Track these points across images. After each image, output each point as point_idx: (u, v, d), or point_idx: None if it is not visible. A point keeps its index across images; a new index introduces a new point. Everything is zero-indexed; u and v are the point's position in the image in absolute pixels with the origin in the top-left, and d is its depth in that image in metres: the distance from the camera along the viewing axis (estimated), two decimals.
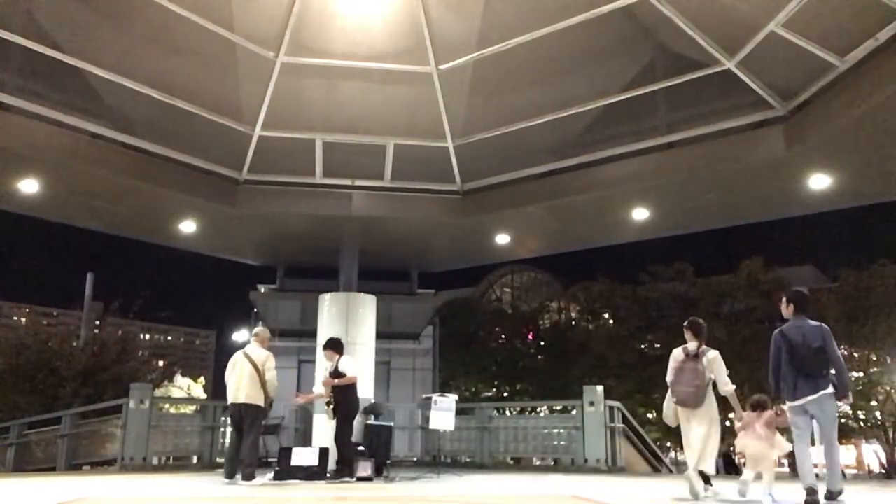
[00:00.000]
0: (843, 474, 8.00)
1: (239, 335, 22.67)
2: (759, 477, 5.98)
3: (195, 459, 12.08)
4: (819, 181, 9.80)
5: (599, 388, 11.62)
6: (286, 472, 8.79)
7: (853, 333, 20.19)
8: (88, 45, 9.37)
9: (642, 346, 23.87)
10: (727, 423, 13.13)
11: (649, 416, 23.54)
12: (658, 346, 22.54)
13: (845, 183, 9.89)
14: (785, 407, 5.86)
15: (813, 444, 6.36)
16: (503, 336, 28.48)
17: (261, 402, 8.27)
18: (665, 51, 9.82)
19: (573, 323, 29.31)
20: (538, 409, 17.50)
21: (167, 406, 15.28)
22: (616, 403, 11.81)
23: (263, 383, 8.29)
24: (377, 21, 9.81)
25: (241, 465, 8.06)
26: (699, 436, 6.23)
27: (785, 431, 6.14)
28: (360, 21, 9.78)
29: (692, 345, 6.43)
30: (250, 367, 8.34)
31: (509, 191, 11.57)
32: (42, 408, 14.14)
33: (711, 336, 19.98)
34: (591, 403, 11.37)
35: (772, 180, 10.00)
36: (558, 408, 18.75)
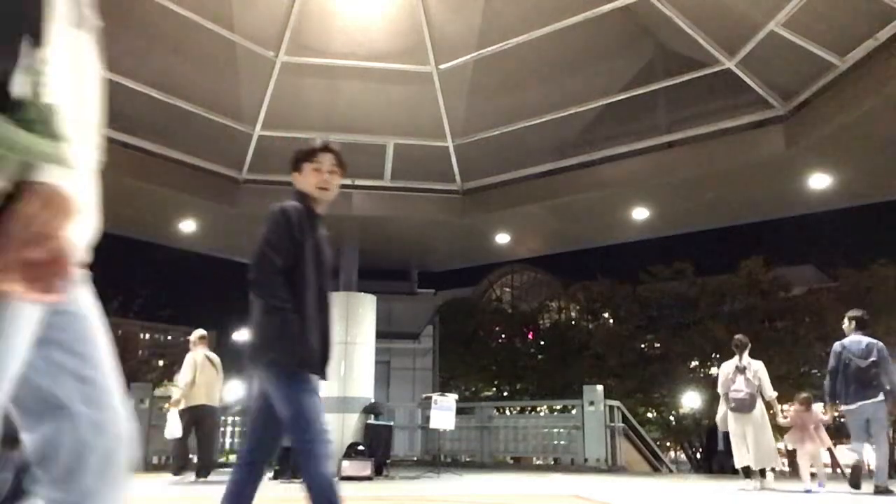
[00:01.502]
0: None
1: (239, 335, 22.69)
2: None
3: (195, 459, 12.07)
4: (819, 181, 9.80)
5: (599, 387, 11.63)
6: (287, 471, 8.79)
7: None
8: None
9: (642, 346, 23.86)
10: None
11: (649, 415, 23.56)
12: (658, 345, 22.54)
13: (845, 183, 9.90)
14: (841, 409, 6.85)
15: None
16: (503, 336, 28.49)
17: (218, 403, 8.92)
18: (665, 50, 9.82)
19: (573, 322, 29.31)
20: (538, 409, 17.52)
21: (167, 405, 15.30)
22: (616, 403, 11.83)
23: (220, 386, 8.89)
24: (377, 21, 9.82)
25: (201, 463, 8.65)
26: (754, 436, 7.28)
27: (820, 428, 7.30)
28: (360, 21, 9.78)
29: (742, 359, 7.53)
30: (214, 371, 8.79)
31: (509, 191, 11.57)
32: None
33: (711, 336, 19.97)
34: (591, 403, 11.39)
35: (772, 180, 10.00)
36: (558, 407, 18.78)
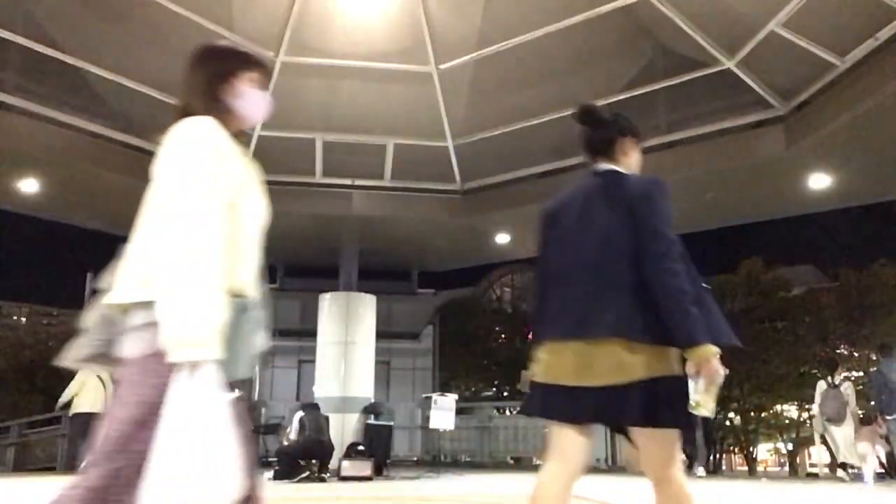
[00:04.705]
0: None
1: None
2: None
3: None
4: (819, 181, 9.80)
5: None
6: (285, 472, 8.80)
7: (853, 333, 20.18)
8: (88, 45, 9.37)
9: None
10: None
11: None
12: None
13: (845, 183, 9.90)
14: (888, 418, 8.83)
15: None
16: (503, 336, 28.47)
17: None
18: (665, 50, 9.82)
19: None
20: None
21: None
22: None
23: (109, 396, 9.74)
24: (377, 21, 9.81)
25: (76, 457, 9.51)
26: (845, 441, 9.19)
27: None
28: (360, 21, 9.78)
29: (835, 379, 9.56)
30: (100, 383, 9.86)
31: (509, 191, 11.57)
32: (42, 407, 14.15)
33: None
34: None
35: (772, 180, 10.00)
36: None
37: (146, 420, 1.47)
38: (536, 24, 9.44)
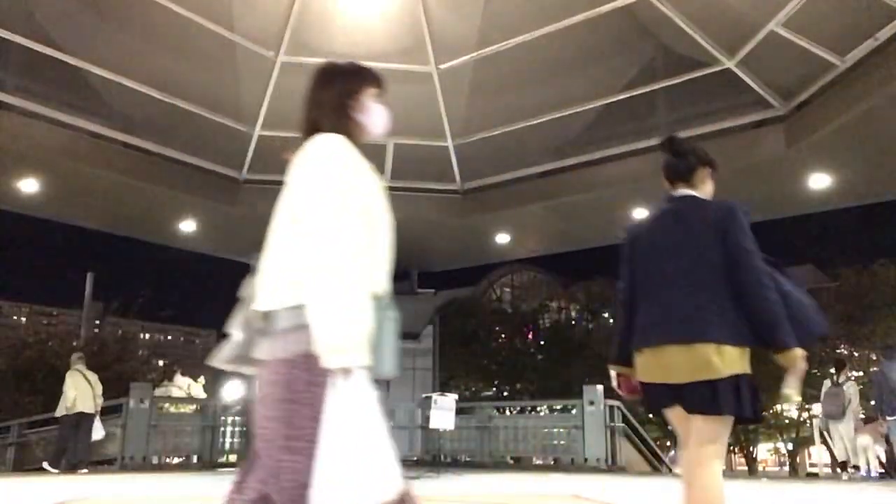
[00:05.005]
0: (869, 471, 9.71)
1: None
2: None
3: (195, 459, 12.08)
4: (819, 181, 9.80)
5: (599, 387, 11.62)
6: None
7: (853, 333, 20.18)
8: (88, 45, 9.37)
9: None
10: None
11: (649, 415, 23.55)
12: None
13: (845, 183, 9.89)
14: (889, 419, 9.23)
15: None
16: (503, 336, 28.46)
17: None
18: (665, 50, 9.81)
19: (573, 322, 29.30)
20: (538, 409, 17.51)
21: (167, 405, 15.30)
22: (616, 402, 11.81)
23: (96, 396, 10.44)
24: (377, 20, 9.81)
25: (77, 458, 10.12)
26: (844, 438, 9.57)
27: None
28: (360, 20, 9.77)
29: (839, 378, 9.98)
30: (88, 384, 10.41)
31: (509, 190, 11.57)
32: (42, 407, 14.14)
33: None
34: (591, 402, 11.38)
35: (772, 180, 10.00)
36: (558, 407, 18.75)
37: (294, 418, 1.56)
38: (536, 24, 9.44)
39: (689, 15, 8.89)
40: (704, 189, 2.78)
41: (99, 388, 10.56)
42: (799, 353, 2.34)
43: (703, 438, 2.41)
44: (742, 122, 9.67)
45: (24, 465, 12.59)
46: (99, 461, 12.04)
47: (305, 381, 1.57)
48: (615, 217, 11.69)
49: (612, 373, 2.79)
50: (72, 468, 10.05)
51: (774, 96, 9.30)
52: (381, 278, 1.72)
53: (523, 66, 10.14)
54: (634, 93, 10.07)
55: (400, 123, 11.03)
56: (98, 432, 10.37)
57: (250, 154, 11.25)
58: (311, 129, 1.84)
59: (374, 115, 1.94)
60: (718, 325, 2.36)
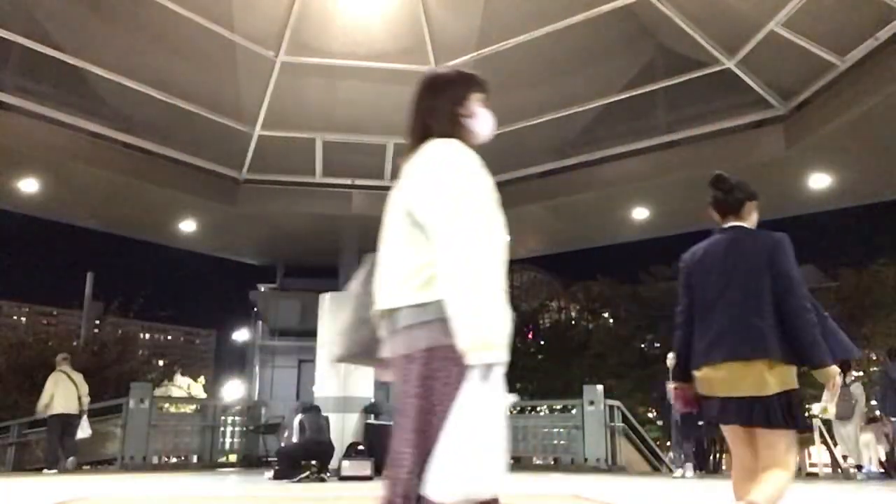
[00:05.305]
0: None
1: (239, 335, 22.67)
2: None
3: (195, 459, 12.08)
4: (819, 181, 9.80)
5: (599, 387, 11.62)
6: (285, 472, 8.80)
7: (853, 333, 20.20)
8: (88, 45, 9.37)
9: (642, 346, 23.85)
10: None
11: (649, 415, 23.53)
12: (658, 345, 22.52)
13: (845, 183, 9.89)
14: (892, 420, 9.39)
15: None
16: None
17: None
18: (665, 50, 9.81)
19: (573, 322, 29.30)
20: (538, 409, 17.50)
21: (167, 405, 15.29)
22: (616, 402, 11.82)
23: (80, 396, 10.41)
24: (377, 20, 9.81)
25: (64, 456, 10.23)
26: (849, 438, 9.51)
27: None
28: (360, 20, 9.78)
29: (846, 378, 9.33)
30: (72, 385, 10.38)
31: (509, 190, 11.55)
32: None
33: None
34: (591, 402, 11.38)
35: (772, 180, 9.98)
36: (558, 407, 18.74)
37: (418, 412, 1.63)
38: (536, 24, 9.44)
39: (689, 15, 8.89)
40: (751, 220, 3.08)
41: (84, 389, 10.56)
42: (835, 370, 2.64)
43: (770, 451, 2.67)
44: (742, 122, 9.67)
45: (25, 465, 12.59)
46: (99, 461, 12.05)
47: (429, 376, 1.64)
48: (615, 217, 11.72)
49: (669, 386, 3.07)
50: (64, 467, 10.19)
51: (774, 96, 9.30)
52: (504, 282, 1.76)
53: (523, 66, 10.13)
54: (634, 93, 10.07)
55: (400, 123, 11.06)
56: (84, 431, 10.39)
57: (250, 154, 11.26)
58: (423, 135, 1.93)
59: (483, 119, 2.01)
60: (770, 345, 2.65)
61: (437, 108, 1.97)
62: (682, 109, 10.07)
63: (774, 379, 2.63)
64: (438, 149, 1.85)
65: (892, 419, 9.32)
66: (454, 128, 1.93)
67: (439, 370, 1.63)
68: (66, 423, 10.30)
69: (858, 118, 8.24)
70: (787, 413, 2.61)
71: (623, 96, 10.18)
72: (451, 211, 1.69)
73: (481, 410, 1.57)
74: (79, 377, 10.64)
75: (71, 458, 10.31)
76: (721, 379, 2.73)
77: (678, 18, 8.90)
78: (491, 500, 1.60)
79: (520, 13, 9.43)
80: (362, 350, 1.89)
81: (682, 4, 8.79)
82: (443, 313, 1.63)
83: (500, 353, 1.61)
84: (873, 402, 11.23)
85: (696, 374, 2.83)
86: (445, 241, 1.67)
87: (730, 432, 2.81)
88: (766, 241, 2.87)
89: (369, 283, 1.88)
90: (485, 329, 1.58)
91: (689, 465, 9.59)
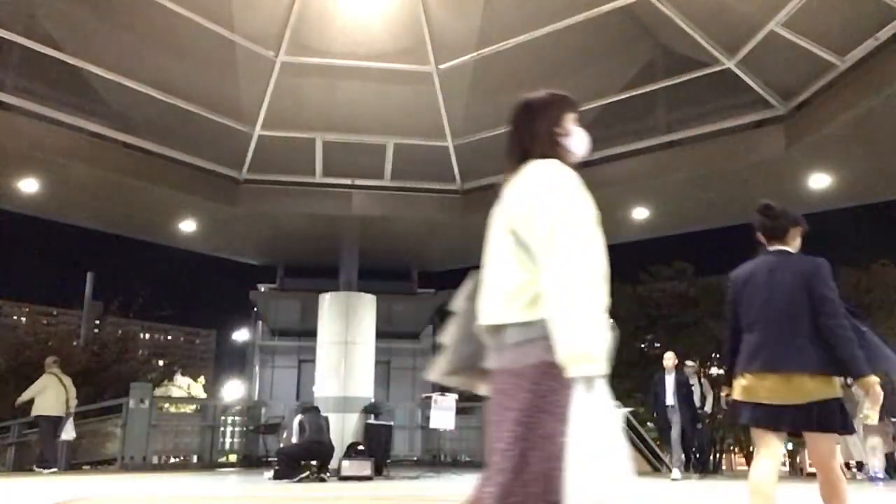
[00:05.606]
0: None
1: (239, 335, 22.68)
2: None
3: (195, 459, 12.09)
4: (819, 181, 9.80)
5: None
6: (285, 472, 8.80)
7: None
8: (88, 45, 9.37)
9: (642, 346, 23.85)
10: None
11: (649, 414, 23.52)
12: (658, 345, 22.51)
13: (845, 183, 9.89)
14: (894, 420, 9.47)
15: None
16: None
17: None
18: (665, 50, 9.81)
19: None
20: None
21: (167, 405, 15.31)
22: (616, 402, 11.81)
23: (68, 399, 10.56)
24: (377, 20, 9.81)
25: (53, 456, 10.40)
26: (852, 439, 9.45)
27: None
28: (360, 20, 9.77)
29: (847, 379, 10.38)
30: (62, 387, 10.56)
31: None
32: None
33: (711, 336, 20.04)
34: None
35: (772, 180, 9.99)
36: None
37: (530, 425, 1.71)
38: (536, 24, 9.44)
39: (689, 15, 8.89)
40: (794, 244, 3.36)
41: (73, 392, 10.71)
42: (874, 379, 2.93)
43: (819, 452, 3.06)
44: (742, 122, 9.67)
45: (25, 465, 12.60)
46: (99, 461, 12.05)
47: (536, 392, 1.72)
48: (615, 217, 11.70)
49: (725, 391, 3.44)
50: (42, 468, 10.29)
51: (774, 96, 9.30)
52: (606, 296, 1.84)
53: (523, 66, 10.12)
54: (634, 93, 10.07)
55: (400, 123, 11.10)
56: (68, 433, 10.55)
57: (250, 154, 11.26)
58: (522, 156, 2.00)
59: (578, 138, 2.08)
60: (808, 359, 2.98)
61: (536, 130, 2.04)
62: (682, 109, 10.07)
63: (815, 388, 2.95)
64: (539, 169, 1.93)
65: (894, 420, 9.28)
66: (552, 148, 2.01)
67: (546, 386, 1.71)
68: (54, 424, 10.45)
69: (858, 118, 8.24)
70: (827, 418, 2.95)
71: (623, 96, 10.17)
72: (551, 230, 1.77)
73: (595, 422, 1.65)
74: (68, 380, 10.78)
75: (48, 461, 10.42)
76: (764, 387, 3.05)
77: (678, 18, 8.90)
78: None
79: (520, 13, 9.43)
80: (466, 365, 1.99)
81: (682, 4, 8.79)
82: (548, 331, 1.71)
83: (600, 366, 1.68)
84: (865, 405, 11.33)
85: (740, 380, 3.14)
86: (546, 259, 1.75)
87: (758, 433, 3.13)
88: (807, 265, 3.19)
89: (473, 299, 1.99)
90: (583, 343, 1.66)
91: (678, 468, 9.57)
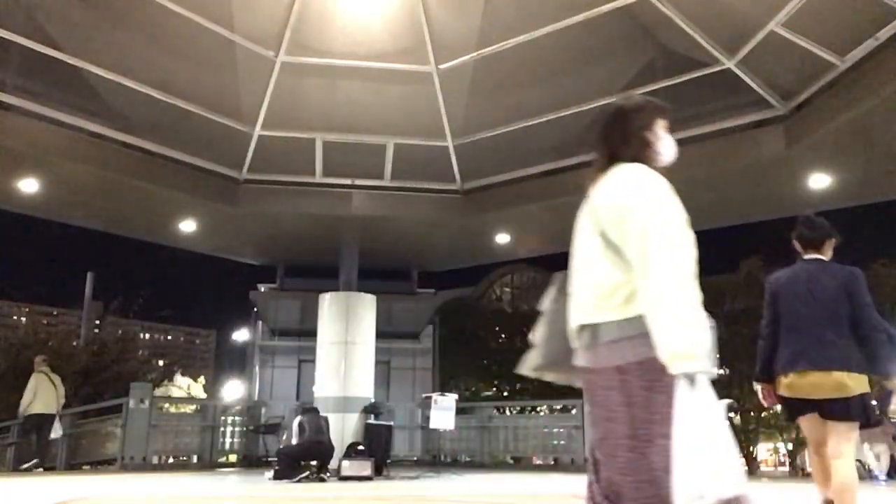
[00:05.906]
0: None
1: (239, 335, 22.69)
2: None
3: (195, 459, 12.09)
4: (819, 181, 9.80)
5: None
6: (285, 472, 8.80)
7: None
8: (88, 45, 9.37)
9: None
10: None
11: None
12: None
13: (845, 183, 9.89)
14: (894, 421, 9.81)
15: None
16: (503, 336, 28.46)
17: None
18: (665, 50, 9.80)
19: None
20: (538, 409, 17.51)
21: (167, 405, 15.30)
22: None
23: (59, 397, 10.80)
24: (377, 20, 9.80)
25: (37, 456, 10.56)
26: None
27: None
28: (360, 20, 9.77)
29: None
30: (52, 386, 10.76)
31: (509, 190, 11.56)
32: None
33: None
34: None
35: (772, 180, 10.00)
36: (558, 407, 18.77)
37: (634, 420, 1.77)
38: (536, 24, 9.43)
39: (689, 15, 8.88)
40: (828, 254, 3.71)
41: (62, 391, 10.89)
42: None
43: (840, 438, 3.43)
44: (742, 122, 9.67)
45: (24, 464, 12.60)
46: (99, 461, 12.05)
47: (641, 386, 1.77)
48: None
49: (758, 386, 3.74)
50: (30, 468, 10.45)
51: (774, 96, 9.30)
52: (698, 291, 1.88)
53: (523, 66, 10.13)
54: (634, 93, 10.05)
55: (400, 123, 11.10)
56: (56, 432, 10.74)
57: (250, 154, 11.26)
58: (611, 159, 2.05)
59: (667, 145, 2.13)
60: (848, 358, 3.37)
61: (627, 133, 2.09)
62: (682, 109, 10.05)
63: (852, 384, 3.35)
64: (628, 172, 1.97)
65: (894, 420, 9.35)
66: (642, 152, 2.05)
67: (656, 380, 1.75)
68: (43, 423, 10.62)
69: (858, 118, 8.24)
70: (862, 410, 3.38)
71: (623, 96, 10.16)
72: (643, 233, 1.82)
73: (700, 416, 1.68)
74: (58, 379, 10.97)
75: (35, 461, 10.60)
76: (807, 384, 3.43)
77: (678, 18, 8.90)
78: (734, 499, 1.68)
79: (520, 13, 9.42)
80: (556, 360, 2.08)
81: (682, 4, 8.79)
82: (645, 328, 1.76)
83: (702, 363, 1.71)
84: (873, 402, 11.40)
85: (783, 378, 3.53)
86: (639, 261, 1.80)
87: (807, 422, 3.58)
88: (844, 273, 3.56)
89: (560, 299, 2.07)
90: (683, 341, 1.70)
91: None
